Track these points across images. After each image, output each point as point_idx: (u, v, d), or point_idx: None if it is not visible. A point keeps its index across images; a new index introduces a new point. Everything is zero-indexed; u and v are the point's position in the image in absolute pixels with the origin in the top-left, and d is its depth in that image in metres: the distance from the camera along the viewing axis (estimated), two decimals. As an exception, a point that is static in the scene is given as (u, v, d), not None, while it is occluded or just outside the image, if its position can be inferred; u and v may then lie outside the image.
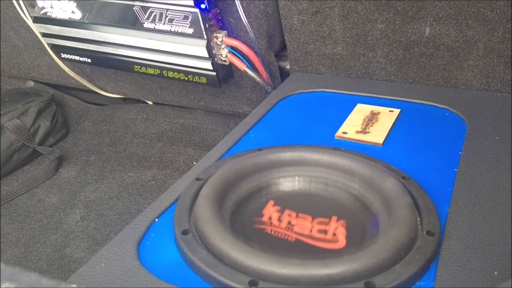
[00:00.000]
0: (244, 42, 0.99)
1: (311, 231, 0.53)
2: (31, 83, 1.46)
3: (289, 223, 0.54)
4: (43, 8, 1.14)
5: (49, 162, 1.18)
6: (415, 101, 0.81)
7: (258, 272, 0.44)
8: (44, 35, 1.21)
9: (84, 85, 1.37)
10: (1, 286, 0.35)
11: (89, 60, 1.19)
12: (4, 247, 0.94)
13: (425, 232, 0.49)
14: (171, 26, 0.99)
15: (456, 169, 0.62)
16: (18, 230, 0.98)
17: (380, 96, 0.84)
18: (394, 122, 0.75)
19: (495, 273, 0.45)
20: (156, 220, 0.55)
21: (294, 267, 0.44)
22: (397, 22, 0.83)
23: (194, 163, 1.17)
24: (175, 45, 1.01)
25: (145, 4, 0.98)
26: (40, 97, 1.27)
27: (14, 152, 1.18)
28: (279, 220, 0.55)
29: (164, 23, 0.99)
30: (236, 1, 0.92)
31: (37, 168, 1.19)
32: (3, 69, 1.48)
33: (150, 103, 1.42)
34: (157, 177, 1.13)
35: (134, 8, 1.00)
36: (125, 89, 1.35)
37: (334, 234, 0.52)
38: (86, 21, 1.10)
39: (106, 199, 1.06)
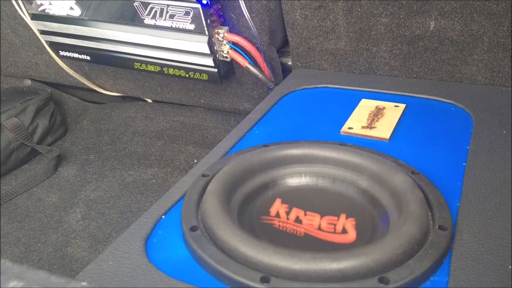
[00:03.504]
0: (246, 38, 0.99)
1: (319, 227, 0.52)
2: (28, 82, 1.45)
3: (298, 219, 0.54)
4: (41, 5, 1.13)
5: (48, 161, 1.16)
6: (420, 96, 0.81)
7: (269, 268, 0.44)
8: (42, 32, 1.19)
9: (83, 83, 1.36)
10: (9, 285, 0.34)
11: (88, 58, 1.18)
12: (4, 247, 0.92)
13: (437, 227, 0.49)
14: (172, 22, 0.97)
15: (464, 164, 0.61)
16: (18, 229, 0.97)
17: (385, 91, 0.84)
18: (400, 117, 0.74)
19: (510, 266, 0.45)
20: (163, 217, 0.54)
21: (307, 263, 0.43)
22: (401, 16, 0.82)
23: (195, 161, 1.16)
24: (176, 41, 1.00)
25: (146, 0, 0.97)
26: (38, 95, 1.25)
27: (12, 151, 1.16)
28: (287, 218, 0.54)
29: (165, 19, 0.98)
30: (238, -3, 0.92)
31: (36, 167, 1.18)
32: (0, 68, 1.46)
33: (150, 101, 1.41)
34: (157, 175, 1.12)
35: (134, 4, 0.99)
36: (124, 87, 1.33)
37: (343, 229, 0.52)
38: (85, 18, 1.09)
39: (106, 198, 1.05)
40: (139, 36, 1.04)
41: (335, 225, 0.53)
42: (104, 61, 1.17)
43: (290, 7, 0.90)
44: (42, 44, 1.25)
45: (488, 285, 0.43)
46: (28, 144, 1.19)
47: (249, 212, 0.56)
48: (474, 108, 0.75)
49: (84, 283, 0.35)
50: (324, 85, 0.89)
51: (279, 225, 0.53)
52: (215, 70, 1.02)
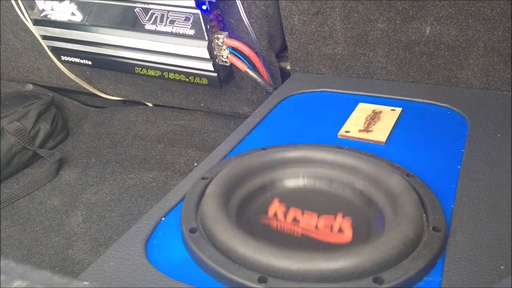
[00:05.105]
0: (245, 43, 1.00)
1: (317, 227, 0.53)
2: (30, 86, 1.46)
3: (295, 219, 0.55)
4: (43, 10, 1.14)
5: (49, 165, 1.17)
6: (416, 100, 0.82)
7: (267, 269, 0.45)
8: (44, 37, 1.21)
9: (84, 88, 1.37)
10: (13, 284, 0.35)
11: (90, 63, 1.19)
12: (6, 249, 0.93)
13: (431, 228, 0.50)
14: (172, 28, 0.99)
15: (459, 166, 0.62)
16: (19, 232, 0.98)
17: (382, 95, 0.85)
18: (396, 121, 0.75)
19: (502, 267, 0.46)
20: (163, 219, 0.55)
21: (303, 264, 0.44)
22: (397, 21, 0.83)
23: (195, 164, 1.17)
24: (176, 46, 1.01)
25: (147, 6, 0.99)
26: (40, 100, 1.26)
27: (14, 155, 1.17)
28: (285, 216, 0.55)
29: (165, 25, 0.99)
30: (237, 2, 0.93)
31: (38, 170, 1.19)
32: (2, 72, 1.47)
33: (150, 105, 1.42)
34: (158, 178, 1.13)
35: (135, 9, 1.01)
36: (125, 91, 1.35)
37: (340, 230, 0.53)
38: (87, 23, 1.10)
39: (107, 201, 1.06)
40: (140, 41, 1.05)
41: (331, 225, 0.54)
42: (105, 65, 1.18)
43: (288, 12, 0.92)
44: (44, 49, 1.26)
45: (480, 285, 0.44)
46: (30, 148, 1.20)
47: (248, 214, 0.57)
48: (469, 112, 0.76)
49: (86, 283, 0.36)
50: (322, 89, 0.90)
51: (277, 226, 0.54)
52: (215, 74, 1.03)
